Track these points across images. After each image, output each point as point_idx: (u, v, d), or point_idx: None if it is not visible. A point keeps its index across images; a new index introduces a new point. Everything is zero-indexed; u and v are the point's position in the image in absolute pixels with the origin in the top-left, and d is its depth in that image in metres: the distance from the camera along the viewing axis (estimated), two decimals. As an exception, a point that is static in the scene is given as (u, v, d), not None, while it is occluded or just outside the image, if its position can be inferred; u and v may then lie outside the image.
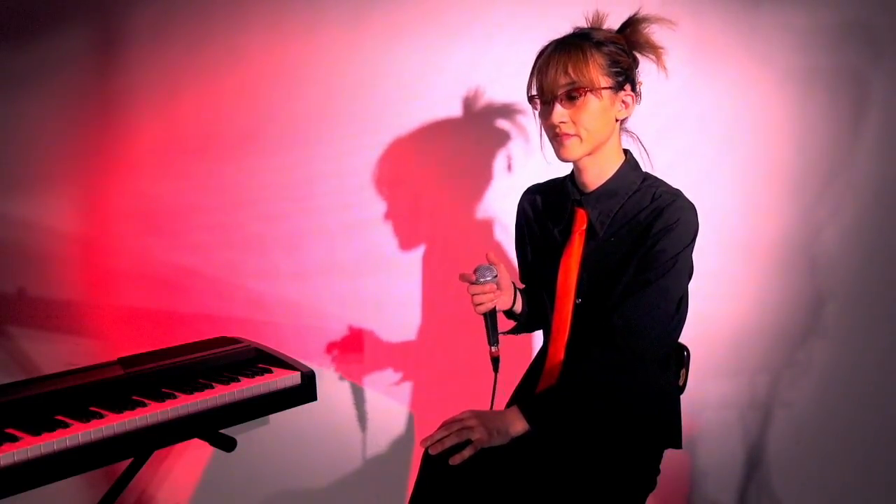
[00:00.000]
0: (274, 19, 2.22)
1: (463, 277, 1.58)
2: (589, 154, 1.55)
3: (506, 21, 2.10)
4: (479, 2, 2.14)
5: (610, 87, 1.50)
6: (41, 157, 2.25)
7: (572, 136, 1.51)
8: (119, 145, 2.28)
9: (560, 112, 1.50)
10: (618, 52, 1.51)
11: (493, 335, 1.60)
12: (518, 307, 1.70)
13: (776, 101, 2.03)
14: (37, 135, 2.24)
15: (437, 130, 2.20)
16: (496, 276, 1.58)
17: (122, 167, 2.29)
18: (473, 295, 1.57)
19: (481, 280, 1.56)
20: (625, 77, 1.52)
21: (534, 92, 1.54)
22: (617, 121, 1.55)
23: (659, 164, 1.65)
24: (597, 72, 1.49)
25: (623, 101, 1.54)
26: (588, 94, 1.49)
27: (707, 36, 2.01)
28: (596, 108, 1.50)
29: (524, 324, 1.76)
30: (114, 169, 2.29)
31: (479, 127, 2.17)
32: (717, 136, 2.06)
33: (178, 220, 2.30)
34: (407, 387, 2.32)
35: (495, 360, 1.59)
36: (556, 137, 1.54)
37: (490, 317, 1.59)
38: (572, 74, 1.48)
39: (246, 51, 2.23)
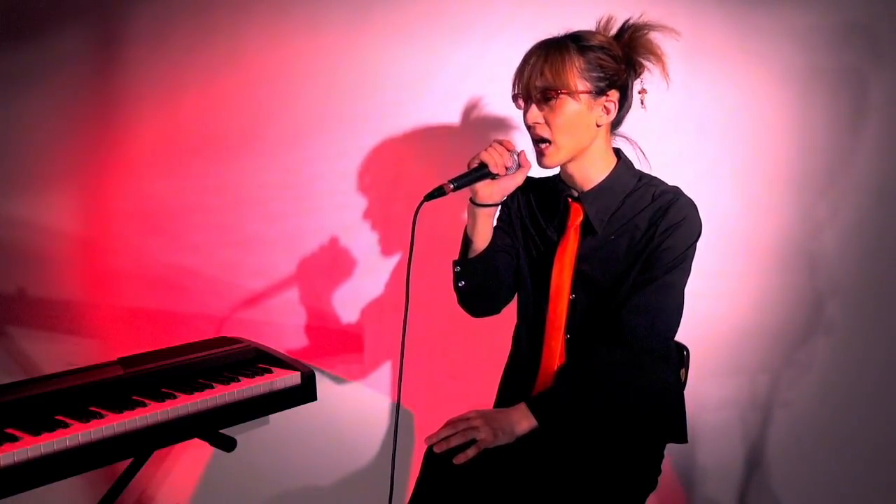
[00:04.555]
0: (274, 19, 2.22)
1: (499, 139, 1.55)
2: (571, 160, 1.54)
3: (505, 22, 2.10)
4: (479, 3, 2.14)
5: (588, 92, 1.48)
6: (41, 157, 2.25)
7: (549, 143, 1.51)
8: (119, 145, 2.28)
9: (535, 113, 1.51)
10: (605, 57, 1.49)
11: (462, 179, 1.52)
12: (486, 236, 1.62)
13: (776, 101, 2.03)
14: (37, 135, 2.24)
15: (436, 130, 2.20)
16: (518, 160, 1.55)
17: (122, 167, 2.29)
18: (493, 145, 1.53)
19: (514, 152, 1.54)
20: (608, 83, 1.50)
21: (516, 91, 1.54)
22: (598, 126, 1.52)
23: (659, 164, 1.65)
24: (574, 75, 1.47)
25: (604, 107, 1.51)
26: (563, 96, 1.47)
27: (707, 35, 2.01)
28: (571, 111, 1.48)
29: (473, 265, 1.64)
30: (114, 169, 2.29)
31: (479, 127, 2.17)
32: (716, 136, 2.06)
33: (178, 220, 2.30)
34: (407, 387, 2.32)
35: (440, 189, 1.49)
36: (534, 144, 1.54)
37: (477, 171, 1.53)
38: (548, 76, 1.47)
39: (246, 51, 2.23)
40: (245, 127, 2.26)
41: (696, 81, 2.03)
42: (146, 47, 2.25)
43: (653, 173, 1.61)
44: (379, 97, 2.21)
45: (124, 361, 1.72)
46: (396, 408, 1.51)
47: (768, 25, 2.00)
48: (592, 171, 1.56)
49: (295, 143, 2.26)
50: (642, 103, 1.56)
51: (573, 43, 1.49)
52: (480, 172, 1.53)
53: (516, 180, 1.58)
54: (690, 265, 1.53)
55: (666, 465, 1.63)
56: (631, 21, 1.53)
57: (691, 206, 1.51)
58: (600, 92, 1.50)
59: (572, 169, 1.56)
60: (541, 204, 1.67)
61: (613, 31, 1.55)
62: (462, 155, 1.59)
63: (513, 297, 1.72)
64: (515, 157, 1.56)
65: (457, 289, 1.67)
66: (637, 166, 1.62)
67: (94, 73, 2.26)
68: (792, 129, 2.03)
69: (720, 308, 2.07)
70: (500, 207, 1.71)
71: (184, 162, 2.28)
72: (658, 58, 1.53)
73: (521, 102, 1.54)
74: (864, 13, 1.97)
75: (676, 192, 1.53)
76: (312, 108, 2.24)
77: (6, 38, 2.19)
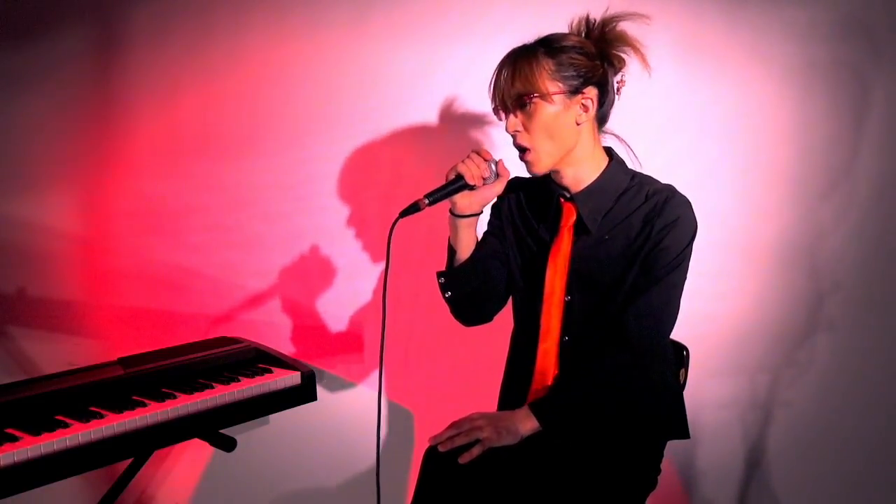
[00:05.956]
0: (274, 19, 2.22)
1: (476, 149, 1.55)
2: (559, 162, 1.53)
3: (505, 22, 2.10)
4: (479, 3, 2.14)
5: (561, 92, 1.48)
6: (41, 157, 2.25)
7: (529, 150, 1.50)
8: (119, 145, 2.28)
9: (513, 121, 1.50)
10: (576, 56, 1.48)
11: (438, 193, 1.51)
12: (469, 245, 1.62)
13: (776, 100, 2.03)
14: (37, 135, 2.24)
15: (436, 130, 2.20)
16: (496, 170, 1.55)
17: (122, 167, 2.29)
18: (470, 156, 1.53)
19: (492, 161, 1.54)
20: (583, 80, 1.48)
21: (494, 104, 1.54)
22: (578, 125, 1.51)
23: (658, 164, 1.65)
24: (544, 78, 1.47)
25: (582, 105, 1.50)
26: (536, 100, 1.47)
27: (706, 33, 2.01)
28: (547, 114, 1.48)
29: (458, 274, 1.63)
30: (114, 169, 2.29)
31: (478, 127, 2.17)
32: (716, 135, 2.06)
33: (178, 220, 2.30)
34: (407, 387, 2.32)
35: (415, 205, 1.49)
36: (519, 153, 1.54)
37: (454, 184, 1.52)
38: (519, 84, 1.47)
39: (246, 51, 2.23)
40: (245, 127, 2.26)
41: (696, 81, 2.03)
42: (146, 47, 2.25)
43: (650, 173, 1.60)
44: (379, 97, 2.21)
45: (124, 361, 1.72)
46: (377, 406, 1.52)
47: (766, 22, 2.00)
48: (583, 171, 1.54)
49: (295, 143, 2.26)
50: (618, 92, 1.55)
51: (542, 47, 1.49)
52: (457, 185, 1.53)
53: (495, 190, 1.58)
54: (688, 264, 1.52)
55: (666, 464, 1.63)
56: (595, 16, 1.52)
57: (686, 204, 1.50)
58: (575, 90, 1.49)
59: (563, 169, 1.55)
60: (531, 203, 1.65)
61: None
62: (461, 155, 1.59)
63: (504, 304, 1.71)
64: (493, 166, 1.55)
65: (445, 299, 1.66)
66: (630, 165, 1.61)
67: (94, 72, 2.26)
68: (792, 127, 2.03)
69: (720, 308, 2.07)
70: (490, 211, 1.70)
71: (184, 162, 2.28)
72: (634, 48, 1.52)
73: (501, 115, 1.54)
74: (862, 9, 1.97)
75: (670, 190, 1.52)
76: (312, 108, 2.24)
77: (6, 38, 2.19)
